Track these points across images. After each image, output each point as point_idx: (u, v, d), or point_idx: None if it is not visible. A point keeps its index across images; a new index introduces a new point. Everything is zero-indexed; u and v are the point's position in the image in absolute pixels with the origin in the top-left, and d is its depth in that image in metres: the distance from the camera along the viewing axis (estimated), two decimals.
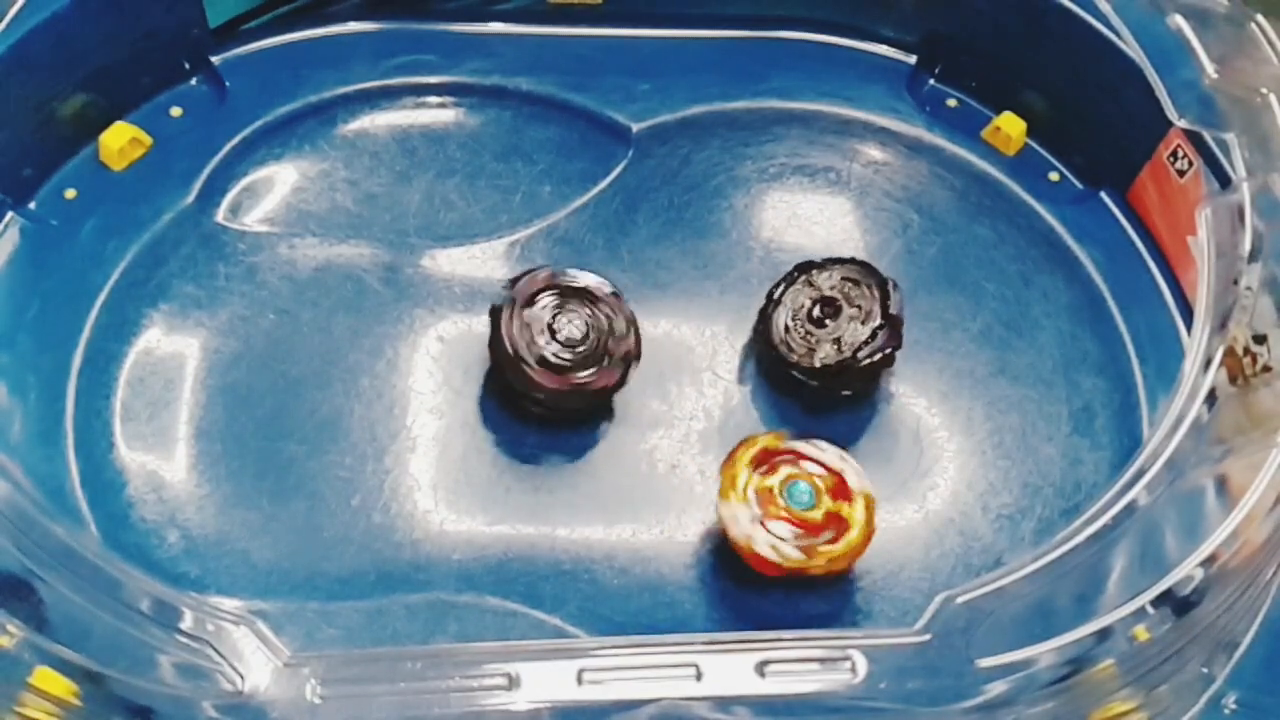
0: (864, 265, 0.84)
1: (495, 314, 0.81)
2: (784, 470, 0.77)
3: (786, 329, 0.83)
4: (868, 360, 0.81)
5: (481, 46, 0.97)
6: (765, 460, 0.77)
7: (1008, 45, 0.95)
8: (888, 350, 0.82)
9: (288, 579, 0.77)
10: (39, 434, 0.79)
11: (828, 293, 0.83)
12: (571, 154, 0.93)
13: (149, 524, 0.78)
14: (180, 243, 0.87)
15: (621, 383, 0.81)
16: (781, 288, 0.84)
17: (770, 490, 0.76)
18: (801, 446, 0.78)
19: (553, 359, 0.79)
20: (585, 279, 0.81)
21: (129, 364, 0.83)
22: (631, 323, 0.81)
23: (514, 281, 0.81)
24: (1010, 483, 0.83)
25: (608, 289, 0.81)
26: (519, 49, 0.97)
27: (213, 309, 0.85)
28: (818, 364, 0.82)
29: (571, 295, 0.81)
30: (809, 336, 0.82)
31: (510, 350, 0.79)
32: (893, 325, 0.82)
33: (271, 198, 0.90)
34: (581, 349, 0.80)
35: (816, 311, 0.83)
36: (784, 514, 0.76)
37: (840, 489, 0.76)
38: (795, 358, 0.82)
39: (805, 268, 0.84)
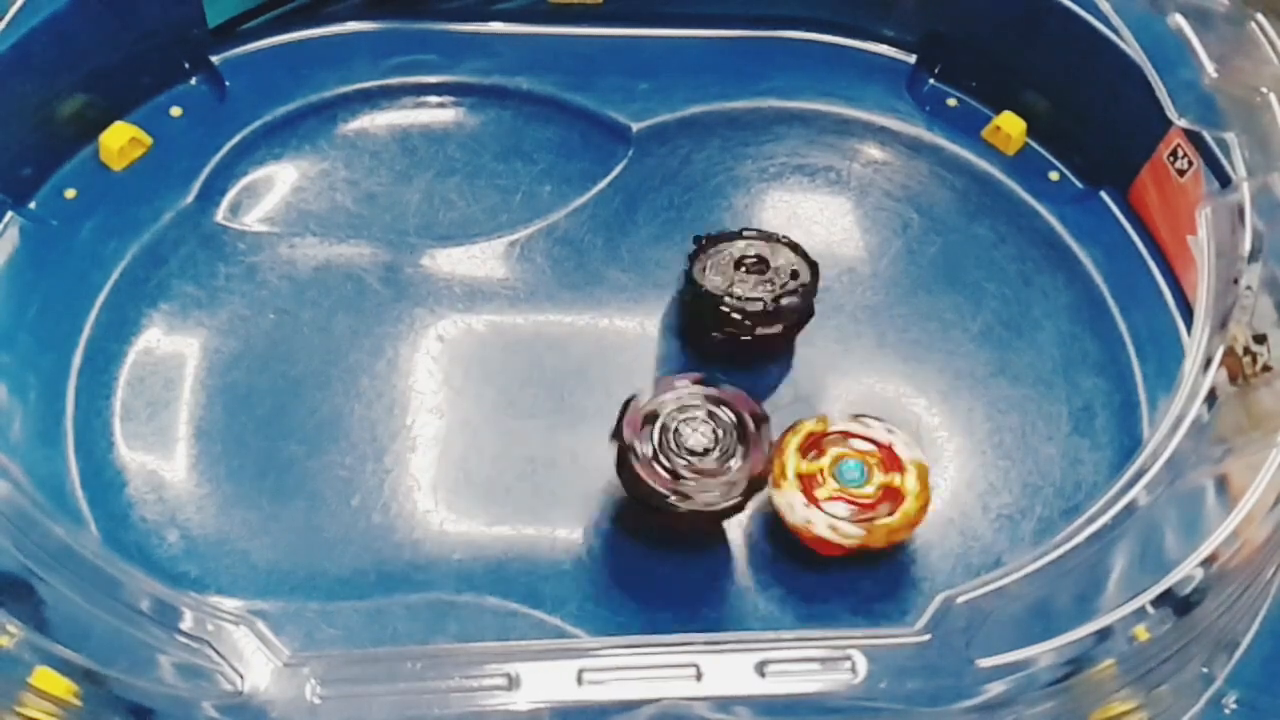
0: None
1: (623, 455, 0.76)
2: (832, 451, 0.78)
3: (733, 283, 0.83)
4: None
5: (481, 46, 0.97)
6: (814, 445, 0.78)
7: (1008, 45, 0.95)
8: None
9: (288, 579, 0.77)
10: (39, 434, 0.79)
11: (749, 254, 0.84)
12: (571, 154, 0.93)
13: (149, 524, 0.78)
14: (180, 243, 0.87)
15: (765, 474, 0.76)
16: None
17: (820, 472, 0.77)
18: (848, 426, 0.79)
19: (689, 468, 0.75)
20: (677, 386, 0.77)
21: (129, 364, 0.83)
22: (757, 415, 0.77)
23: (619, 429, 0.76)
24: (1010, 483, 0.83)
25: (710, 389, 0.77)
26: (519, 49, 0.97)
27: (213, 309, 0.85)
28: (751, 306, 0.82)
29: (676, 406, 0.77)
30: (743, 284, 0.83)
31: (655, 488, 0.75)
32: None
33: (271, 198, 0.90)
34: (715, 451, 0.75)
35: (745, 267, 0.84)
36: (837, 494, 0.77)
37: (891, 461, 0.77)
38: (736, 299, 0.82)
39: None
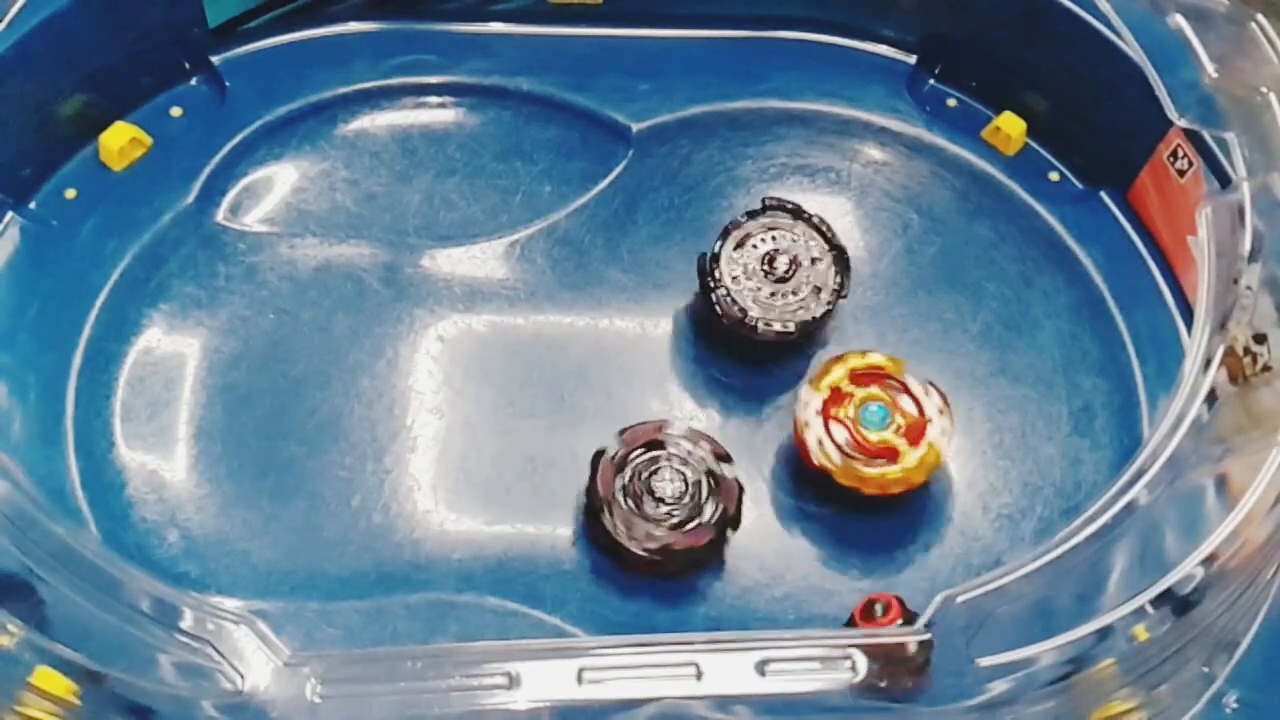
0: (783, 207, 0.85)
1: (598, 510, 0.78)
2: (873, 388, 0.80)
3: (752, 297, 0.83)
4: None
5: (481, 46, 0.97)
6: (871, 375, 0.80)
7: (1008, 45, 0.95)
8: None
9: (288, 579, 0.77)
10: (39, 434, 0.79)
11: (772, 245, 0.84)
12: (571, 154, 0.93)
13: (149, 524, 0.78)
14: (180, 243, 0.87)
15: (738, 514, 0.78)
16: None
17: (849, 396, 0.79)
18: (911, 381, 0.80)
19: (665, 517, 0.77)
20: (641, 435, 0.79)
21: (129, 364, 0.83)
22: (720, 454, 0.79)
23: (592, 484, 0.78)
24: (1010, 483, 0.83)
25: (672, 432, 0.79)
26: (519, 49, 0.97)
27: (213, 309, 0.85)
28: (793, 328, 0.83)
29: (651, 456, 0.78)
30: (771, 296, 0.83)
31: (636, 549, 0.77)
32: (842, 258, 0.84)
33: (271, 198, 0.90)
34: (687, 500, 0.77)
35: (771, 268, 0.83)
36: (847, 422, 0.79)
37: (916, 432, 0.78)
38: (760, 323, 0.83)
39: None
